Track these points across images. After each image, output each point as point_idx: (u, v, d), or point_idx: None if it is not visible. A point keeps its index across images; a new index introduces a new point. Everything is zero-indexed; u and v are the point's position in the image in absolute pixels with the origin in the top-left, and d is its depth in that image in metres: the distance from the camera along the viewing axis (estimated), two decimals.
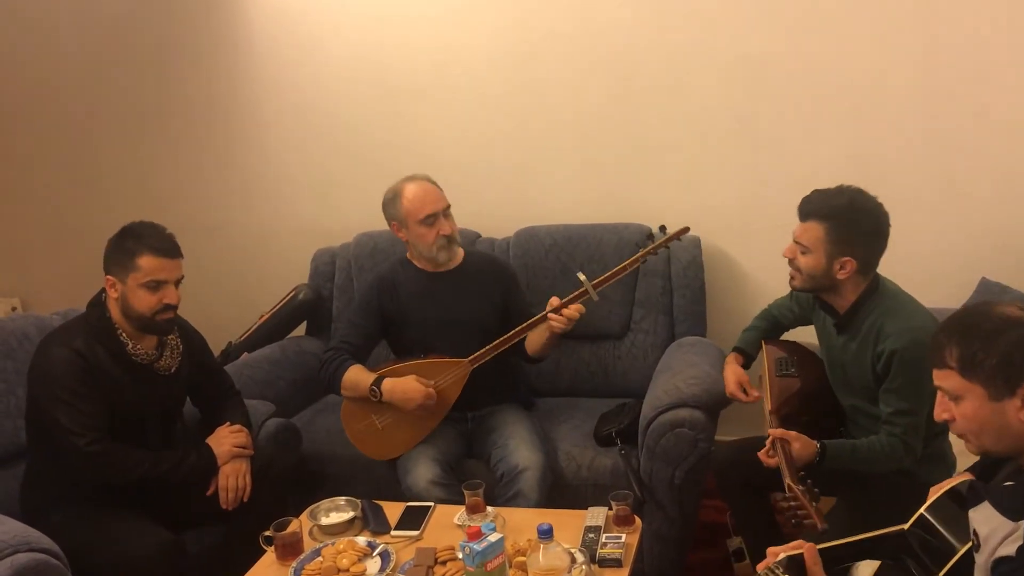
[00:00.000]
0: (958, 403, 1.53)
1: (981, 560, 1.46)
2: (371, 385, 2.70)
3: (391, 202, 2.83)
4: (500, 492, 2.61)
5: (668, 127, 3.26)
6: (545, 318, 2.62)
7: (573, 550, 2.04)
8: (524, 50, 3.35)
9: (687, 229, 2.74)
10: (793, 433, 2.15)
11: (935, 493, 1.84)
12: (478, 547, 1.79)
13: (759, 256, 3.26)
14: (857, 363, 2.25)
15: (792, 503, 1.96)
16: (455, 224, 2.84)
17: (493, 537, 1.83)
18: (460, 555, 2.07)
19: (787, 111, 3.14)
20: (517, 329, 2.69)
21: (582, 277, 2.64)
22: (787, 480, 2.02)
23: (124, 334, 2.39)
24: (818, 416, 2.43)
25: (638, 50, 3.23)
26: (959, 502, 1.66)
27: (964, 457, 2.39)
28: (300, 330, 3.60)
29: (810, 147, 3.13)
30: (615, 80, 3.28)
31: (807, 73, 3.09)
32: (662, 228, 2.73)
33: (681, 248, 3.14)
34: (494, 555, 1.82)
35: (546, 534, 1.84)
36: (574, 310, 2.60)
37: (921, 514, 1.68)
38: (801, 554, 1.55)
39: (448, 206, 2.81)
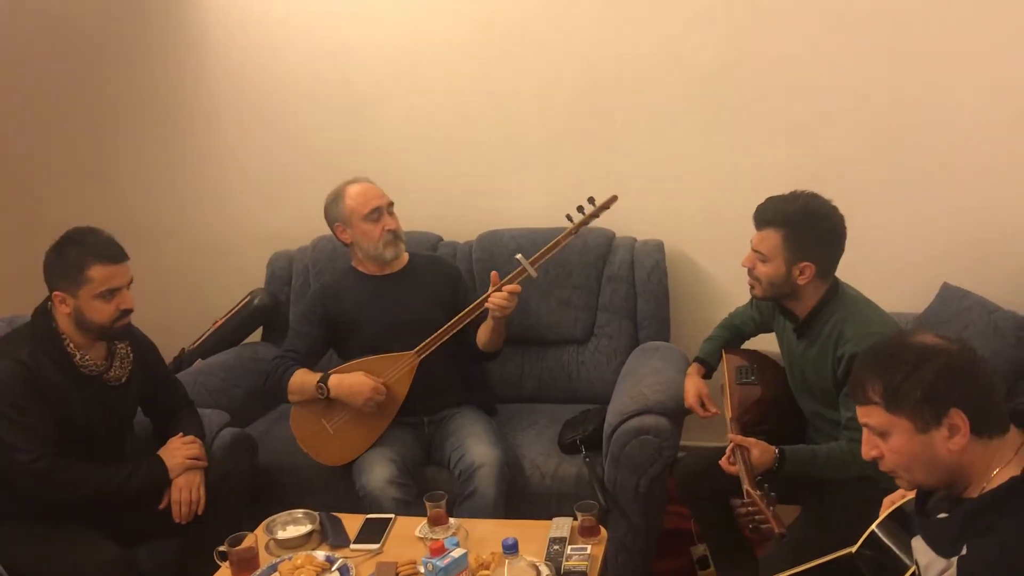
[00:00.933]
0: (885, 439, 1.50)
1: None
2: (318, 382, 2.65)
3: (333, 203, 2.83)
4: (458, 490, 2.58)
5: (633, 132, 3.23)
6: (486, 299, 2.61)
7: (538, 563, 2.00)
8: (489, 52, 3.29)
9: (615, 198, 2.73)
10: (752, 440, 2.15)
11: (888, 505, 1.83)
12: (441, 563, 1.74)
13: (723, 261, 3.23)
14: (817, 368, 2.24)
15: (751, 508, 1.96)
16: (399, 222, 2.83)
17: (456, 552, 1.78)
18: (423, 570, 2.02)
19: (751, 117, 3.12)
20: (459, 315, 2.67)
21: (519, 256, 2.65)
22: (745, 486, 2.02)
23: (72, 344, 2.30)
24: (779, 423, 2.43)
25: (604, 55, 3.20)
26: (903, 522, 1.64)
27: None
28: (256, 336, 3.51)
29: (773, 153, 3.12)
30: (581, 84, 3.24)
31: (770, 79, 3.08)
32: (590, 200, 2.71)
33: (645, 253, 3.12)
34: (457, 571, 1.77)
35: (511, 548, 1.80)
36: (509, 291, 2.59)
37: (872, 532, 1.66)
38: None
39: (391, 203, 2.81)
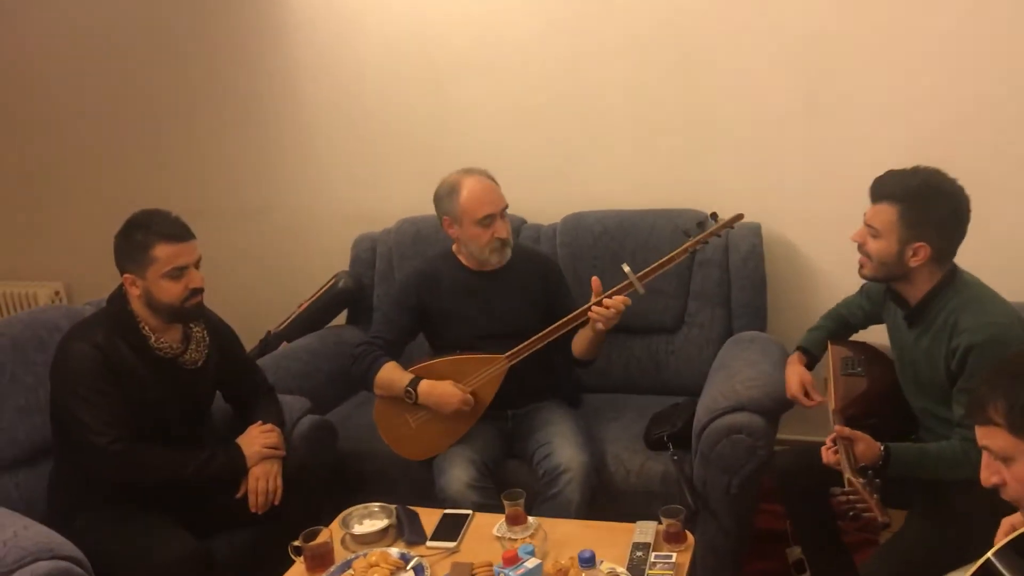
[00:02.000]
0: (1008, 464, 1.34)
1: None
2: (406, 387, 2.57)
3: (447, 196, 2.65)
4: (541, 491, 2.48)
5: (727, 107, 3.04)
6: (585, 312, 2.47)
7: (619, 570, 1.88)
8: (575, 25, 3.14)
9: (741, 216, 2.55)
10: (858, 433, 1.99)
11: (1008, 529, 1.65)
12: (514, 574, 1.64)
13: (824, 246, 3.04)
14: (929, 360, 2.07)
15: (851, 496, 1.83)
16: (509, 226, 2.69)
17: (531, 563, 1.68)
18: None
19: (856, 90, 2.90)
20: (556, 324, 2.54)
21: (627, 268, 2.47)
22: (847, 475, 1.88)
23: (147, 327, 2.29)
24: (886, 419, 2.24)
25: (697, 26, 3.01)
26: None
27: None
28: (340, 319, 3.48)
29: (881, 129, 2.89)
30: (672, 57, 3.06)
31: (878, 49, 2.85)
32: (713, 215, 2.53)
33: (740, 237, 2.94)
34: None
35: (588, 562, 1.69)
36: (618, 302, 2.44)
37: (987, 560, 1.48)
38: None
39: (506, 206, 2.66)
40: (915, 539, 2.03)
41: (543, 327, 2.57)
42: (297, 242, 3.73)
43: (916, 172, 2.04)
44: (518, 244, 2.87)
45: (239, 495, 2.34)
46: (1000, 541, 1.61)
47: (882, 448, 1.99)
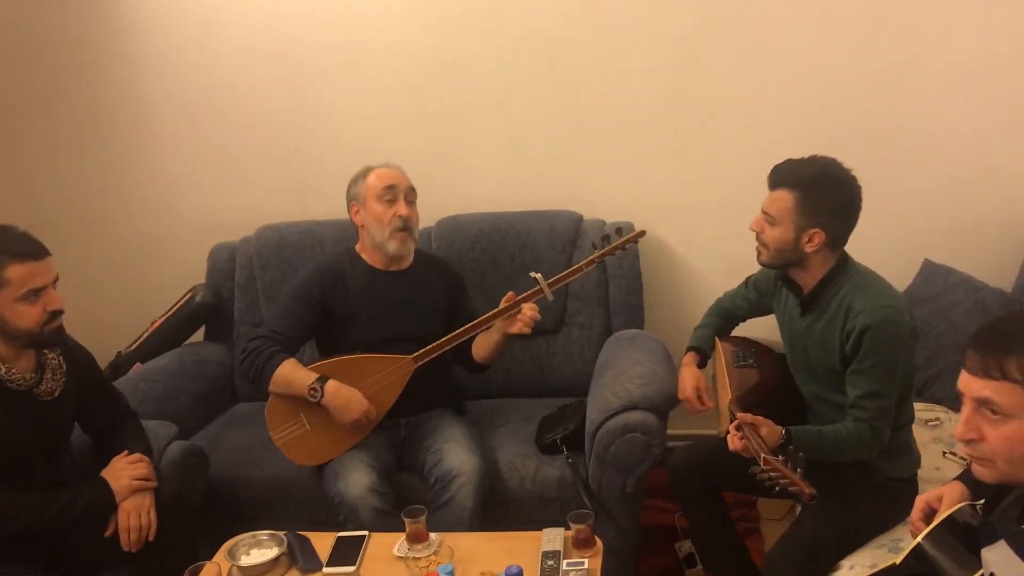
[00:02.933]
0: (1003, 423, 1.32)
1: None
2: (312, 384, 2.42)
3: (355, 182, 2.65)
4: (432, 498, 2.41)
5: (600, 109, 3.06)
6: (502, 315, 2.46)
7: None
8: (446, 25, 3.07)
9: (643, 233, 2.64)
10: (760, 418, 2.00)
11: (922, 506, 1.71)
12: None
13: (697, 245, 3.12)
14: (823, 345, 2.12)
15: (772, 474, 1.82)
16: (417, 216, 2.61)
17: None
18: None
19: (725, 94, 2.98)
20: (468, 326, 2.50)
21: (537, 275, 2.50)
22: (762, 455, 1.87)
23: None
24: (778, 406, 2.27)
25: (569, 28, 3.00)
26: (956, 532, 1.51)
27: (927, 451, 2.30)
28: (198, 336, 3.25)
29: (749, 132, 2.99)
30: (544, 59, 3.04)
31: (745, 55, 2.94)
32: (618, 230, 2.60)
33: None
34: None
35: None
36: (532, 310, 2.46)
37: (918, 545, 1.53)
38: None
39: (412, 189, 2.62)
40: (815, 527, 2.08)
41: (445, 334, 2.51)
42: (147, 254, 3.45)
43: (813, 161, 2.08)
44: (422, 251, 2.78)
45: (108, 533, 2.13)
46: (916, 519, 1.68)
47: (783, 432, 2.01)
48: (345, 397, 2.43)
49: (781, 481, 1.79)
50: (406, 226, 2.56)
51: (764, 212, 2.11)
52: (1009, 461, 1.34)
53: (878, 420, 2.01)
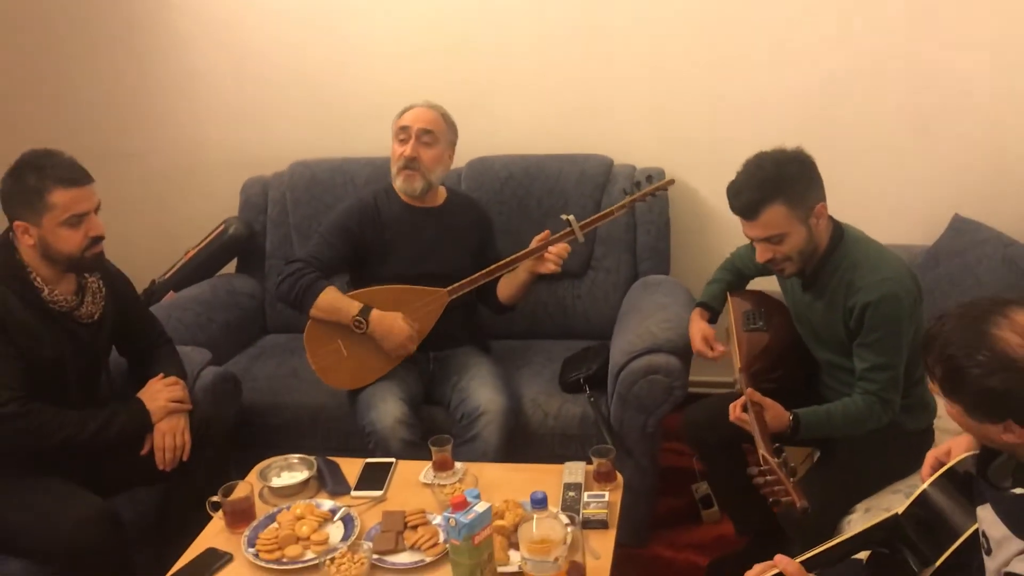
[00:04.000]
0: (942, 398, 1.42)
1: (992, 565, 1.35)
2: (356, 315, 2.49)
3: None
4: (458, 433, 2.47)
5: (631, 53, 3.05)
6: (533, 254, 2.51)
7: (561, 514, 1.88)
8: None
9: (672, 181, 2.68)
10: (769, 401, 2.02)
11: (932, 462, 1.74)
12: (465, 519, 1.61)
13: (724, 191, 3.08)
14: (826, 320, 2.12)
15: (769, 478, 1.82)
16: (431, 155, 2.62)
17: (480, 507, 1.65)
18: (435, 524, 1.93)
19: (757, 38, 2.96)
20: (501, 262, 2.55)
21: (570, 217, 2.53)
22: (761, 451, 1.88)
23: (39, 279, 2.10)
24: (792, 369, 2.31)
25: None
26: (958, 483, 1.54)
27: (941, 400, 2.32)
28: (230, 267, 3.31)
29: (779, 78, 2.97)
30: (578, 2, 3.03)
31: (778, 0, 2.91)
32: (648, 178, 2.63)
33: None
34: (482, 526, 1.64)
35: (540, 503, 1.68)
36: (563, 249, 2.51)
37: (921, 495, 1.56)
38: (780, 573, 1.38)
39: (425, 130, 2.61)
40: (833, 475, 2.12)
41: (472, 272, 2.56)
42: (182, 186, 3.50)
43: (757, 166, 2.02)
44: (454, 191, 2.82)
45: (144, 452, 2.20)
46: (927, 475, 1.71)
47: (791, 417, 2.03)
48: (388, 325, 2.49)
49: (776, 488, 1.79)
50: (408, 165, 2.59)
51: (764, 240, 2.04)
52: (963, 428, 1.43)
53: (887, 391, 2.02)
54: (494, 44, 3.13)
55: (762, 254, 2.07)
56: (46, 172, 2.03)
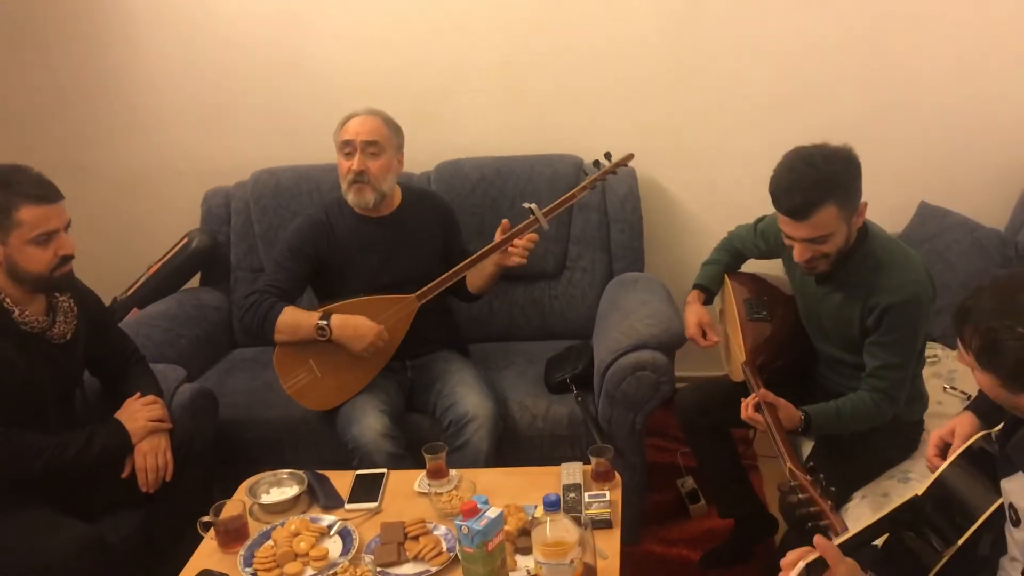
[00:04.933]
0: (973, 371, 1.43)
1: (1021, 536, 1.36)
2: (318, 322, 2.43)
3: (335, 130, 2.62)
4: (446, 441, 2.40)
5: (600, 53, 3.05)
6: (499, 248, 2.46)
7: (569, 516, 1.86)
8: None
9: (631, 156, 2.62)
10: (782, 401, 2.00)
11: (937, 441, 1.76)
12: (478, 526, 1.58)
13: (696, 188, 3.14)
14: (839, 315, 2.10)
15: (802, 497, 1.64)
16: (379, 165, 2.54)
17: (492, 512, 1.62)
18: (436, 534, 1.88)
19: (723, 36, 2.98)
20: (466, 261, 2.50)
21: (532, 206, 2.48)
22: (788, 464, 1.80)
23: (8, 300, 2.02)
24: (794, 358, 2.31)
25: None
26: (975, 462, 1.56)
27: (928, 387, 2.35)
28: (194, 282, 3.22)
29: (745, 73, 3.00)
30: (544, 1, 3.02)
31: None
32: (607, 155, 2.58)
33: (617, 180, 2.97)
34: (495, 532, 1.62)
35: (553, 505, 1.66)
36: (528, 240, 2.46)
37: (940, 476, 1.58)
38: (819, 557, 1.35)
39: (370, 142, 2.53)
40: (827, 465, 2.09)
41: (444, 269, 2.52)
42: (139, 199, 3.40)
43: (812, 163, 1.92)
44: (409, 187, 2.76)
45: (125, 475, 2.12)
46: (932, 455, 1.73)
47: (802, 416, 2.02)
48: (353, 326, 2.44)
49: (811, 510, 1.62)
50: (358, 180, 2.53)
51: (807, 240, 1.97)
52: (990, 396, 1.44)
53: (896, 389, 2.03)
54: (458, 47, 3.10)
55: (801, 254, 2.00)
56: (13, 188, 1.95)
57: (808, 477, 1.68)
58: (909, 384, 2.07)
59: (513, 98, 3.13)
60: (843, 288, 2.08)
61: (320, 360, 2.49)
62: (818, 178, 1.91)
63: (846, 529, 1.56)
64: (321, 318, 2.43)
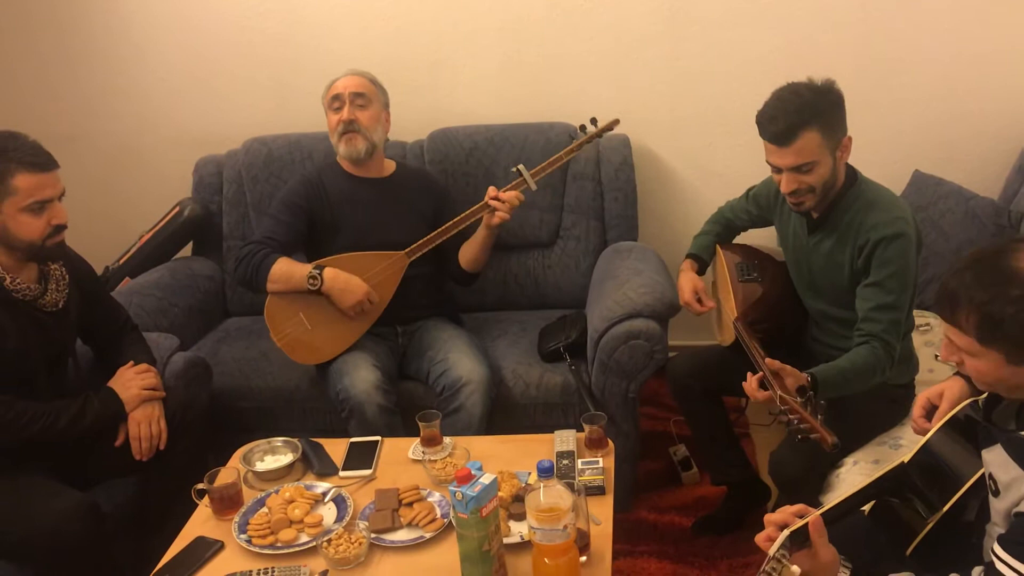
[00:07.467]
0: (971, 358, 1.39)
1: (1001, 506, 1.36)
2: (310, 272, 2.46)
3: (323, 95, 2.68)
4: (440, 407, 2.44)
5: (594, 21, 3.02)
6: (486, 206, 2.50)
7: (562, 482, 1.86)
8: None
9: (617, 121, 2.66)
10: (787, 368, 1.98)
11: (923, 403, 1.76)
12: (472, 492, 1.58)
13: (689, 157, 3.12)
14: (831, 262, 2.13)
15: (791, 416, 1.79)
16: (368, 115, 2.60)
17: (486, 478, 1.62)
18: (430, 500, 1.88)
19: (721, 5, 2.95)
20: (458, 218, 2.54)
21: (520, 167, 2.54)
22: (779, 393, 1.86)
23: (0, 268, 2.00)
24: (784, 318, 2.33)
25: None
26: (961, 430, 1.57)
27: (920, 355, 2.36)
28: (186, 251, 3.21)
29: (739, 39, 2.98)
30: None
31: None
32: (593, 120, 2.63)
33: (611, 149, 2.96)
34: (489, 498, 1.62)
35: (547, 472, 1.66)
36: (513, 196, 2.50)
37: (926, 443, 1.58)
38: (805, 526, 1.36)
39: (358, 94, 2.59)
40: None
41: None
42: (129, 168, 3.38)
43: (797, 92, 1.99)
44: (404, 164, 2.80)
45: (119, 443, 2.13)
46: (918, 416, 1.73)
47: (808, 379, 1.99)
48: (344, 280, 2.47)
49: (802, 427, 1.76)
50: (348, 129, 2.58)
51: (792, 169, 2.00)
52: (990, 385, 1.41)
53: (889, 333, 2.01)
54: (451, 15, 3.07)
55: (787, 184, 2.03)
56: (9, 155, 1.93)
57: (799, 399, 1.80)
58: (902, 332, 2.06)
59: (507, 66, 3.11)
60: (834, 233, 2.11)
61: (310, 314, 2.52)
62: (801, 104, 1.97)
63: (836, 441, 1.71)
64: (314, 268, 2.47)
